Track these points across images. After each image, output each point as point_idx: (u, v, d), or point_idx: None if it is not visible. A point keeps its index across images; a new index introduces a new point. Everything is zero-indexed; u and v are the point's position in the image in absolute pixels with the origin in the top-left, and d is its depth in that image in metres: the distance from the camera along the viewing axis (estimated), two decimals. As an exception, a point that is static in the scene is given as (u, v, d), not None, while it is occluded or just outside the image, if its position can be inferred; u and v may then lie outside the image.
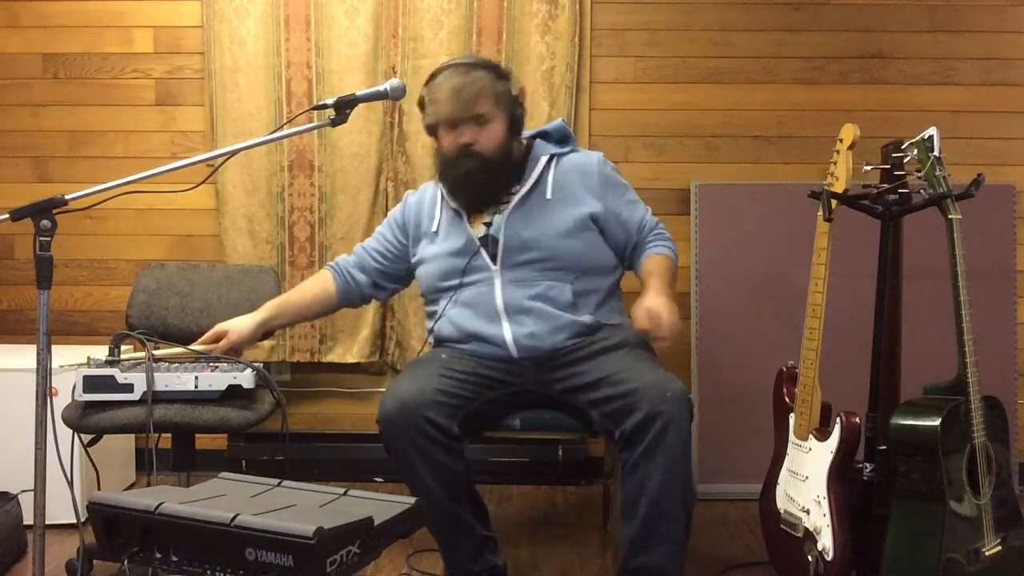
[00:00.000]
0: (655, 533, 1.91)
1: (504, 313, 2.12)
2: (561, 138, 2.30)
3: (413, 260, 2.31)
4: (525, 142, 2.29)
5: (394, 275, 2.37)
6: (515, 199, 2.18)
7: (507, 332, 2.11)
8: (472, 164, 2.14)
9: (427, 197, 2.33)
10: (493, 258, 2.15)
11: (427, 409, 1.94)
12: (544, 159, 2.22)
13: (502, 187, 2.20)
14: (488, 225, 2.19)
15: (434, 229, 2.25)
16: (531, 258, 2.13)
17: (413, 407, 1.94)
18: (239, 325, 2.22)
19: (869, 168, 2.03)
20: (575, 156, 2.27)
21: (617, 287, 2.26)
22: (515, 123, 2.21)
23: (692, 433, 1.95)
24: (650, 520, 1.91)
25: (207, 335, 2.21)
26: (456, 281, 2.16)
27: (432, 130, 2.21)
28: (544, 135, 2.31)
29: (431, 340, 2.25)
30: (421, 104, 2.23)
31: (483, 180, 2.16)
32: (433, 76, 2.19)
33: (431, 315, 2.26)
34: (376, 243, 2.38)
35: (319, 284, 2.35)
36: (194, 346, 2.20)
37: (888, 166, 2.03)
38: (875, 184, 2.06)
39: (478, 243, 2.17)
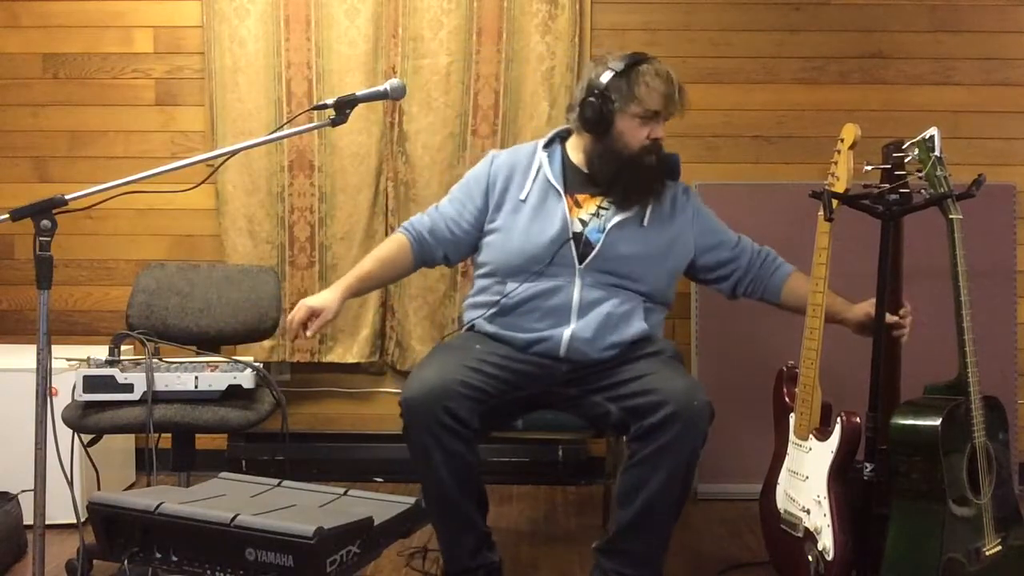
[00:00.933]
0: (647, 524, 1.97)
1: (575, 314, 2.12)
2: (673, 170, 2.26)
3: (489, 226, 2.24)
4: None
5: (466, 245, 2.29)
6: (627, 213, 2.17)
7: (567, 332, 2.11)
8: (655, 160, 2.15)
9: (521, 161, 2.26)
10: (580, 257, 2.14)
11: (450, 399, 1.93)
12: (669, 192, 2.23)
13: (647, 194, 2.18)
14: (584, 223, 2.17)
15: (522, 197, 2.20)
16: (619, 271, 2.14)
17: (437, 395, 1.93)
18: (327, 303, 2.12)
19: (870, 168, 2.03)
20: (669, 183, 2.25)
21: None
22: None
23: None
24: (646, 511, 1.95)
25: (298, 316, 2.10)
26: (538, 268, 2.13)
27: (609, 116, 2.11)
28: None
29: (470, 317, 2.23)
30: (597, 88, 2.13)
31: (656, 178, 2.17)
32: (635, 64, 2.12)
33: (484, 289, 2.22)
34: (452, 209, 2.28)
35: (394, 249, 2.27)
36: (289, 330, 2.12)
37: (889, 166, 2.03)
38: (876, 184, 2.06)
39: (571, 235, 2.14)
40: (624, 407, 2.01)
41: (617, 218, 2.17)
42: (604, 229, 2.16)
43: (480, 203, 2.25)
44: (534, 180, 2.21)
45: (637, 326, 2.14)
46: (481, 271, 2.26)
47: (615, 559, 2.03)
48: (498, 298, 2.16)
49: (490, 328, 2.18)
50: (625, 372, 2.06)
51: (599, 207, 2.20)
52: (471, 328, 2.23)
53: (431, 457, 1.95)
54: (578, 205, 2.21)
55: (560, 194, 2.19)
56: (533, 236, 2.16)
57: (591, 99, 2.14)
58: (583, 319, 2.11)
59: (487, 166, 2.28)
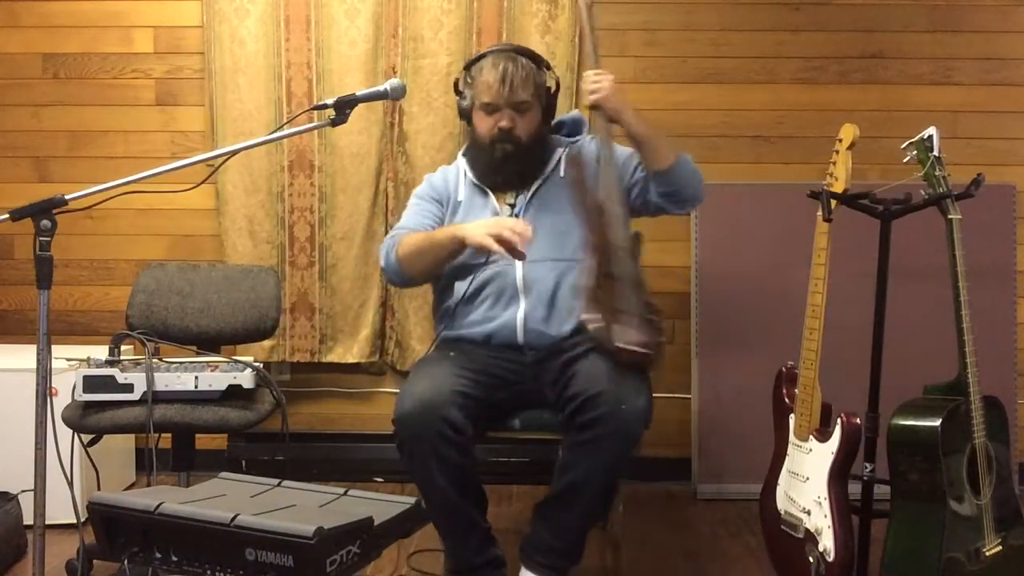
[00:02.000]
0: (568, 503, 2.01)
1: (522, 293, 2.14)
2: (574, 128, 2.34)
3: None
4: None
5: None
6: (534, 187, 2.23)
7: (519, 314, 2.13)
8: (509, 148, 2.17)
9: (450, 174, 2.36)
10: None
11: (446, 409, 1.94)
12: (560, 150, 2.28)
13: (532, 172, 2.24)
14: (512, 206, 2.23)
15: (459, 199, 2.29)
16: (550, 240, 2.16)
17: (433, 407, 1.94)
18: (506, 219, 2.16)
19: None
20: (582, 144, 2.31)
21: None
22: (548, 114, 2.26)
23: (640, 441, 1.97)
24: (568, 490, 1.99)
25: (520, 231, 1.98)
26: (483, 258, 2.16)
27: (467, 112, 2.24)
28: (559, 126, 2.35)
29: (436, 331, 2.28)
30: (457, 87, 2.27)
31: (517, 164, 2.20)
32: (477, 59, 2.23)
33: (441, 298, 2.27)
34: (419, 218, 2.29)
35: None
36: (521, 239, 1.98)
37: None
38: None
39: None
40: (566, 396, 1.99)
41: (533, 189, 2.23)
42: (525, 203, 2.22)
43: (438, 210, 2.31)
44: (464, 185, 2.30)
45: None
46: (438, 283, 2.31)
47: (542, 522, 2.07)
48: (453, 304, 2.20)
49: (453, 333, 2.21)
50: (572, 368, 2.05)
51: (517, 193, 2.25)
52: (442, 341, 2.25)
53: (429, 469, 1.95)
54: (503, 193, 2.26)
55: (485, 190, 2.26)
56: None
57: (456, 96, 2.27)
58: (530, 299, 2.14)
59: (428, 184, 2.37)
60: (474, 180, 2.28)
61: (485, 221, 2.13)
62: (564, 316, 2.14)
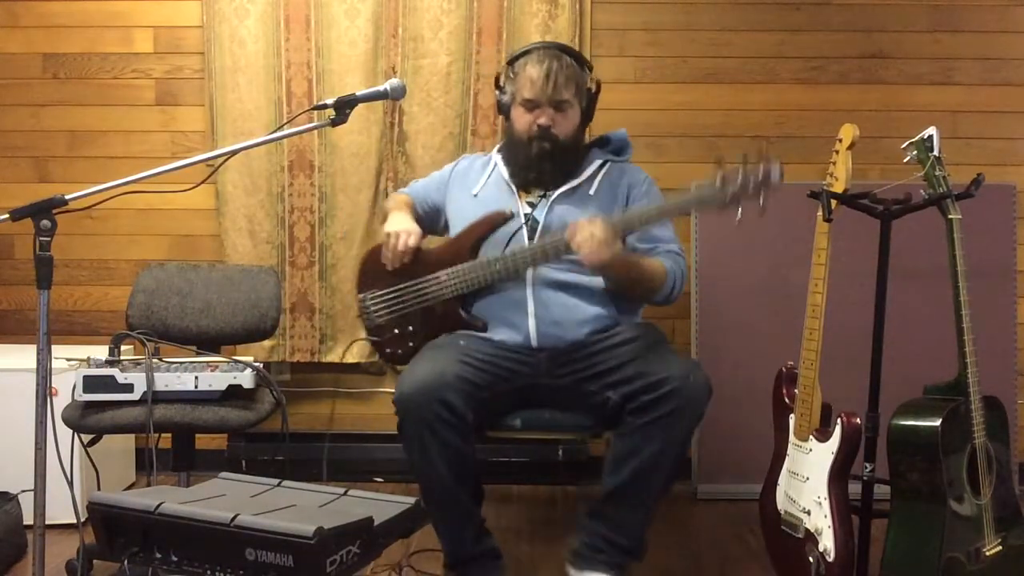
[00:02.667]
0: (633, 493, 2.00)
1: (531, 294, 2.14)
2: (620, 148, 2.34)
3: (445, 213, 2.35)
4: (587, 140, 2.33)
5: (432, 221, 2.39)
6: (561, 189, 2.22)
7: (531, 318, 2.13)
8: (547, 147, 2.17)
9: (478, 163, 2.38)
10: (531, 239, 2.18)
11: (446, 392, 1.95)
12: (599, 162, 2.28)
13: (566, 173, 2.23)
14: (532, 206, 2.23)
15: (475, 193, 2.29)
16: None
17: (432, 389, 1.95)
18: (414, 227, 2.25)
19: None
20: (628, 167, 2.31)
21: None
22: (588, 115, 2.26)
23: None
24: (633, 481, 1.99)
25: (402, 244, 2.20)
26: (498, 252, 2.16)
27: (506, 108, 2.24)
28: (605, 141, 2.35)
29: None
30: (497, 81, 2.27)
31: (553, 163, 2.19)
32: (521, 55, 2.22)
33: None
34: (423, 187, 2.43)
35: (407, 200, 2.40)
36: (393, 259, 2.22)
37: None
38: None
39: (523, 220, 2.20)
40: (623, 392, 2.02)
41: (559, 191, 2.22)
42: (546, 207, 2.21)
43: (437, 198, 2.37)
44: (488, 177, 2.30)
45: (599, 298, 2.15)
46: None
47: (599, 523, 2.06)
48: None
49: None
50: (613, 359, 2.07)
51: (543, 192, 2.25)
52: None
53: (428, 451, 1.95)
54: (529, 192, 2.27)
55: (512, 189, 2.25)
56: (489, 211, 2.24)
57: (496, 92, 2.29)
58: (542, 302, 2.14)
59: (452, 165, 2.42)
60: (505, 177, 2.27)
61: (401, 220, 2.24)
62: (579, 322, 2.13)
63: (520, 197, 2.25)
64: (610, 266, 2.03)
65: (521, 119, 2.20)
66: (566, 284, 2.15)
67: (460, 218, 2.28)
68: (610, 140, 2.35)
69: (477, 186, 2.30)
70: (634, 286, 2.15)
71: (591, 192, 2.23)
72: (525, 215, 2.21)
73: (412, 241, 2.21)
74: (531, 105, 2.17)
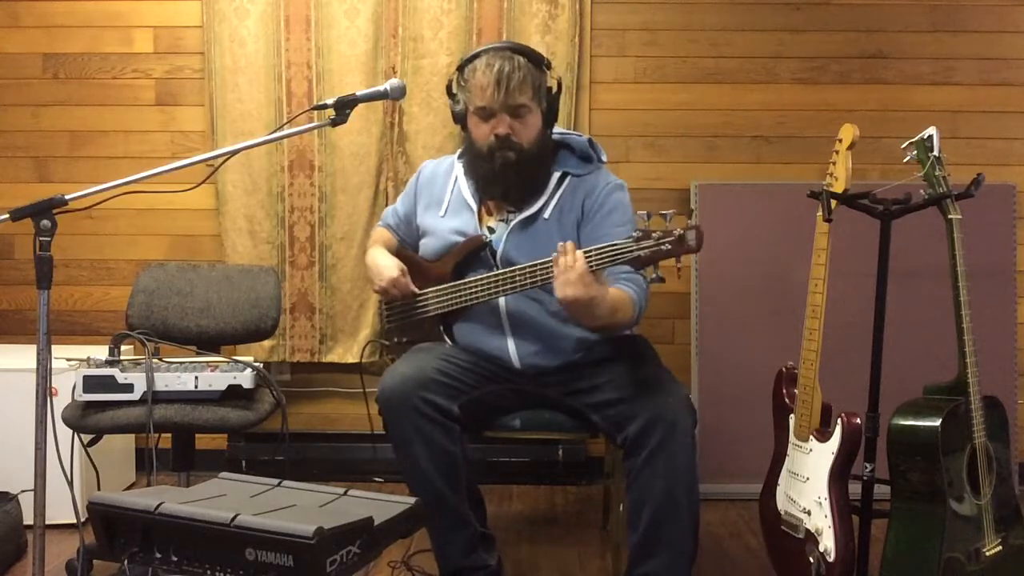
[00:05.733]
0: (658, 540, 1.87)
1: (507, 323, 2.08)
2: (583, 156, 2.14)
3: (418, 230, 2.25)
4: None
5: (413, 246, 2.29)
6: (524, 214, 2.07)
7: (511, 346, 2.08)
8: (511, 157, 2.00)
9: (441, 171, 2.22)
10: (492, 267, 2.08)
11: (427, 388, 1.92)
12: (556, 176, 2.10)
13: (537, 184, 2.07)
14: (492, 231, 2.12)
15: (441, 214, 2.16)
16: None
17: (412, 384, 1.92)
18: (394, 263, 2.17)
19: None
20: (590, 179, 2.10)
21: None
22: (550, 117, 2.07)
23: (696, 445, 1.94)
24: (653, 527, 1.87)
25: (401, 286, 2.14)
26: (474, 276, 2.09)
27: (460, 117, 2.08)
28: (568, 147, 2.15)
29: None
30: (449, 90, 2.10)
31: (520, 174, 2.02)
32: (470, 60, 2.03)
33: None
34: (402, 208, 2.32)
35: (388, 238, 2.33)
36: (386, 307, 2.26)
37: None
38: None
39: (485, 241, 2.09)
40: (604, 416, 1.97)
41: (518, 219, 2.07)
42: (504, 236, 2.07)
43: (410, 212, 2.28)
44: (451, 192, 2.16)
45: (574, 327, 2.02)
46: None
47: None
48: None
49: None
50: (595, 376, 2.01)
51: (507, 210, 2.10)
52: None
53: (412, 448, 1.92)
54: (490, 213, 2.14)
55: (471, 207, 2.12)
56: (453, 234, 2.13)
57: (449, 100, 2.11)
58: (518, 333, 2.06)
59: (416, 176, 2.29)
60: (466, 196, 2.13)
61: (384, 268, 2.15)
62: (558, 348, 2.07)
63: (482, 219, 2.12)
64: (580, 303, 1.78)
65: (477, 129, 2.03)
66: (541, 307, 2.05)
67: (434, 237, 2.17)
68: (573, 148, 2.14)
69: (442, 206, 2.16)
70: (600, 326, 1.93)
71: (546, 216, 2.06)
72: (484, 242, 2.09)
73: (403, 280, 2.14)
74: (485, 113, 1.99)
